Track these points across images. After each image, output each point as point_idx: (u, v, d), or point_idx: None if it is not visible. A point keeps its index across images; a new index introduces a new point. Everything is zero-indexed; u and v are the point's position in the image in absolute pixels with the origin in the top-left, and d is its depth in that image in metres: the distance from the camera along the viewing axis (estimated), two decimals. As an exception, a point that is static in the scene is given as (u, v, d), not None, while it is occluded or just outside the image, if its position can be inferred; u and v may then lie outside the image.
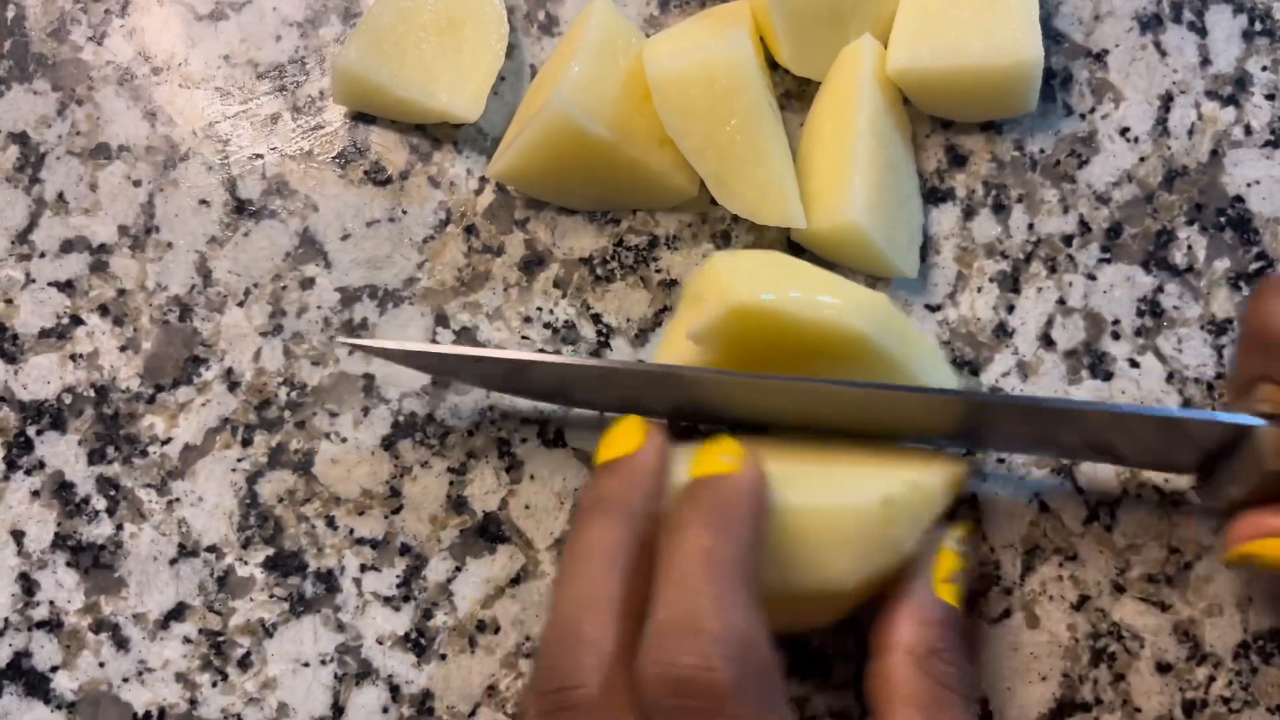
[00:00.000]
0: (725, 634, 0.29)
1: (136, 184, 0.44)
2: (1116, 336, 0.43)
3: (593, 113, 0.40)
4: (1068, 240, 0.43)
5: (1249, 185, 0.44)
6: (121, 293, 0.43)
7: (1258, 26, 0.45)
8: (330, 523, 0.42)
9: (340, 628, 0.41)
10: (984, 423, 0.38)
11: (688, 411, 0.40)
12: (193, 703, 0.41)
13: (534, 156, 0.41)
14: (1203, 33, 0.45)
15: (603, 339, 0.43)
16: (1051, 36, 0.44)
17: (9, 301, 0.43)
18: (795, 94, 0.44)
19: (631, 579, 0.32)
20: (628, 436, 0.35)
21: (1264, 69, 0.44)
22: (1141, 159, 0.44)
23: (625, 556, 0.32)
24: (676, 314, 0.42)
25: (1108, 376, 0.43)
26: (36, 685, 0.41)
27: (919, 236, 0.43)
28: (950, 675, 0.35)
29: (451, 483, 0.42)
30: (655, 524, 0.33)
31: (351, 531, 0.42)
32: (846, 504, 0.35)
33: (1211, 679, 0.41)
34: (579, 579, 0.32)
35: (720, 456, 0.34)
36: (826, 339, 0.36)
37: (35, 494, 0.42)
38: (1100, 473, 0.42)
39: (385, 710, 0.41)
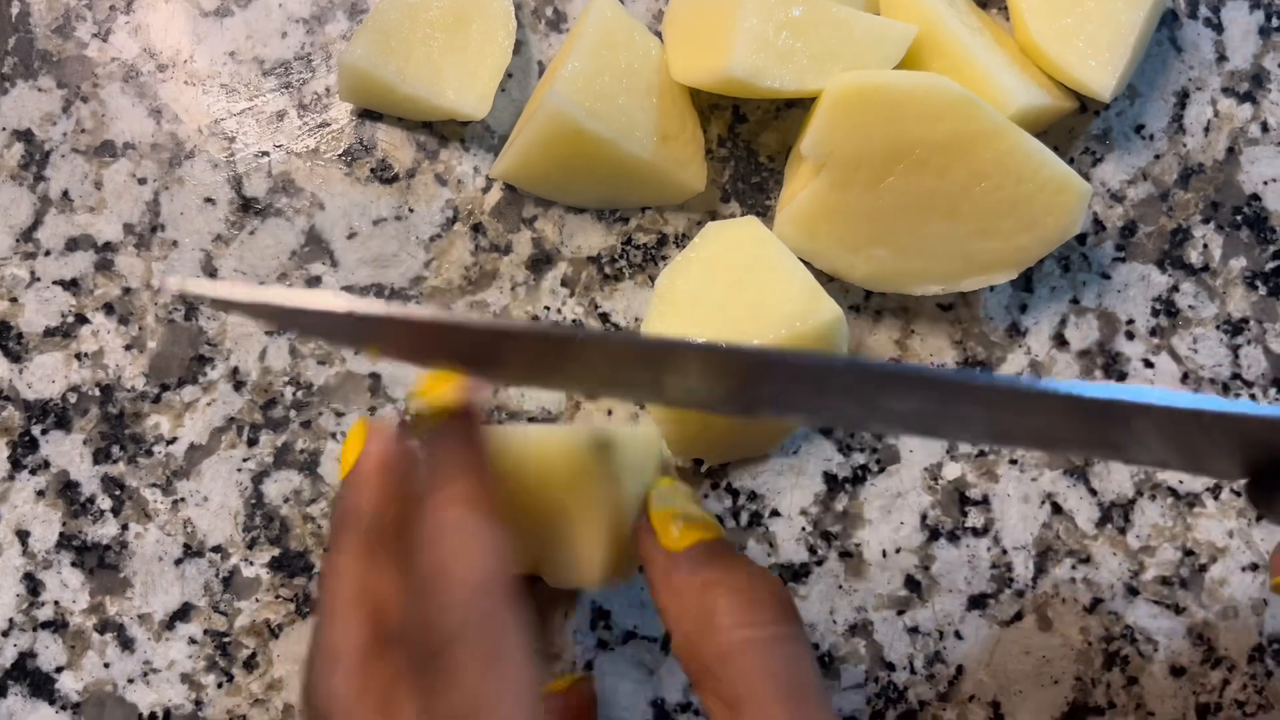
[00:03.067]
0: (454, 587, 0.30)
1: (142, 182, 0.43)
2: (1131, 336, 0.42)
3: (591, 109, 0.39)
4: (1081, 239, 0.43)
5: (1265, 183, 0.43)
6: (127, 291, 0.43)
7: (1275, 22, 0.44)
8: (336, 523, 0.42)
9: (346, 629, 0.41)
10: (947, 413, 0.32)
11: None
12: (198, 704, 0.41)
13: (534, 155, 0.41)
14: (1219, 28, 0.44)
15: (611, 338, 0.42)
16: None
17: (14, 300, 0.43)
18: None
19: (370, 602, 0.32)
20: (352, 445, 0.35)
21: (1281, 65, 0.44)
22: (1157, 156, 0.43)
23: (358, 583, 0.32)
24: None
25: (1122, 377, 0.42)
26: (41, 686, 0.41)
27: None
28: (737, 619, 0.33)
29: (458, 483, 0.42)
30: (394, 506, 0.33)
31: (358, 532, 0.41)
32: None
33: (1226, 683, 0.41)
34: (324, 627, 0.32)
35: (438, 390, 0.34)
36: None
37: (40, 494, 0.42)
38: (1114, 473, 0.42)
39: (391, 712, 0.40)
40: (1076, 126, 0.43)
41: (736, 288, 0.39)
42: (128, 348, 0.43)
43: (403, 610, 0.32)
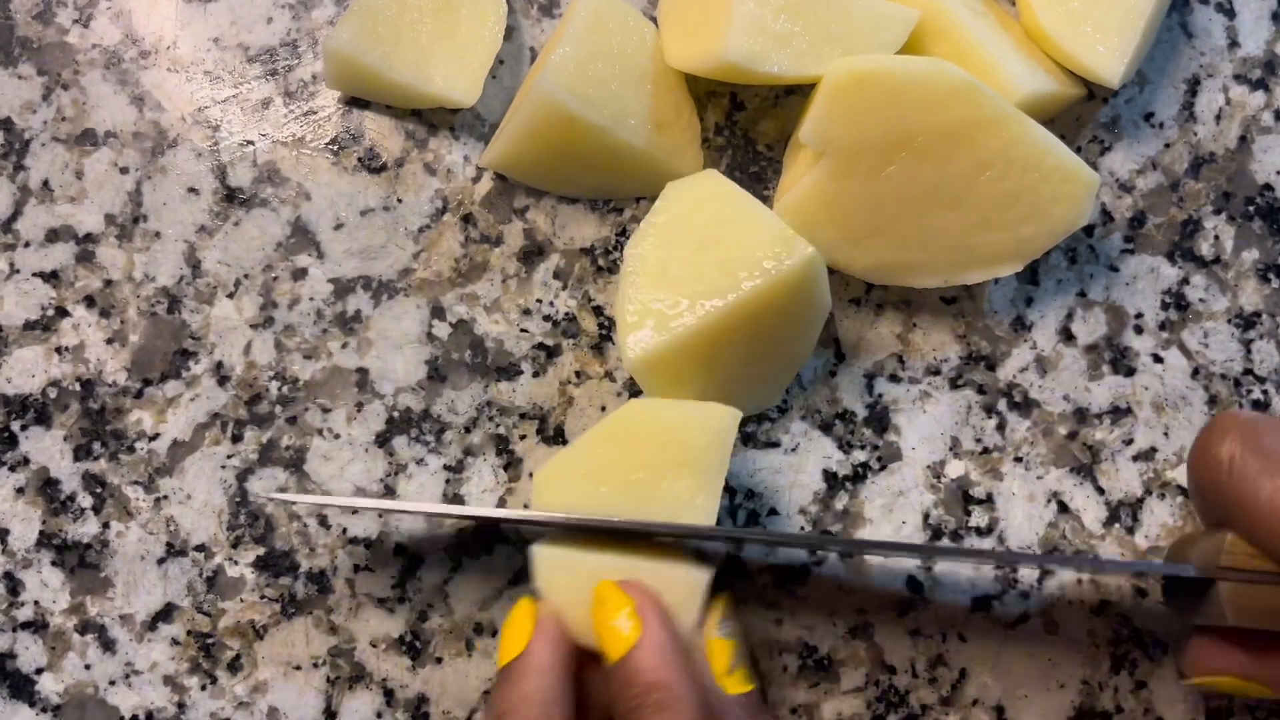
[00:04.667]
0: None
1: (124, 171, 0.42)
2: (1139, 330, 0.41)
3: (583, 96, 0.38)
4: (1089, 230, 0.42)
5: (1278, 173, 0.42)
6: (108, 283, 0.42)
7: (1289, 7, 0.43)
8: (323, 522, 0.41)
9: (333, 630, 0.40)
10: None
11: None
12: (181, 706, 0.40)
13: (525, 144, 0.40)
14: (1231, 14, 0.43)
15: (604, 332, 0.41)
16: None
17: (-8, 292, 0.42)
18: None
19: None
20: (517, 633, 0.35)
21: (1295, 51, 0.42)
22: (1167, 145, 0.42)
23: None
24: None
25: (1130, 372, 0.41)
26: (21, 688, 0.40)
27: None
28: None
29: (448, 481, 0.41)
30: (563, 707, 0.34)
31: (344, 531, 0.40)
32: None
33: (1237, 686, 0.40)
34: None
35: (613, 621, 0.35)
36: None
37: (19, 491, 0.41)
38: (1122, 472, 0.40)
39: (379, 715, 0.40)
40: (1084, 114, 0.42)
41: (706, 245, 0.38)
42: (109, 341, 0.41)
43: None
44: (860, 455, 0.41)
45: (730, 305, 0.36)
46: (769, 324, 0.37)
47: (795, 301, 0.37)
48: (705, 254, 0.37)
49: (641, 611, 0.34)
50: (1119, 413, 0.41)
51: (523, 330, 0.41)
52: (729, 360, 0.37)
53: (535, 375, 0.41)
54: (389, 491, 0.40)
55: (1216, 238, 0.42)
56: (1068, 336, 0.41)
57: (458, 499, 0.40)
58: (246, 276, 0.42)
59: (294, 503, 0.37)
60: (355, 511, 0.40)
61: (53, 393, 0.41)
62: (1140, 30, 0.39)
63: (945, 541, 0.40)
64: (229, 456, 0.41)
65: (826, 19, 0.38)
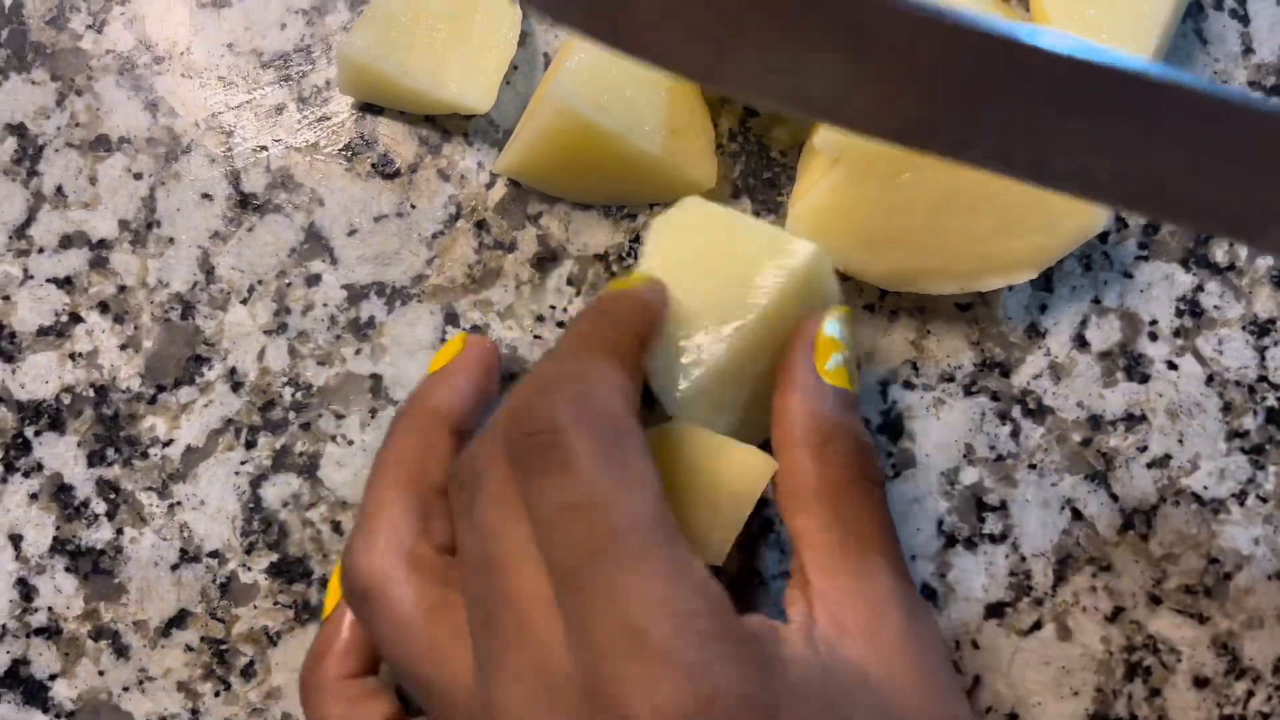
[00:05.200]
0: (568, 379, 0.30)
1: (137, 177, 0.42)
2: (1154, 337, 0.41)
3: (598, 103, 0.38)
4: (1103, 237, 0.42)
5: (1293, 179, 0.42)
6: (122, 289, 0.42)
7: (1303, 13, 0.43)
8: (336, 528, 0.41)
9: (346, 636, 0.40)
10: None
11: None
12: (194, 713, 0.40)
13: (539, 150, 0.39)
14: (1245, 20, 0.43)
15: (618, 338, 0.41)
16: (1087, 24, 0.43)
17: (6, 299, 0.42)
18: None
19: (417, 468, 0.35)
20: (446, 352, 0.38)
21: (1310, 57, 0.42)
22: (1181, 152, 0.42)
23: (422, 464, 0.35)
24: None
25: (1144, 379, 0.41)
26: (35, 694, 0.40)
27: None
28: (851, 461, 0.34)
29: (461, 487, 0.40)
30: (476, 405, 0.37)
31: (358, 537, 0.40)
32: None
33: (1250, 694, 0.40)
34: (379, 482, 0.35)
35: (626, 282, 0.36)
36: None
37: (34, 497, 0.41)
38: (1136, 480, 0.40)
39: (393, 722, 0.39)
40: (1098, 121, 0.42)
41: (709, 273, 0.37)
42: (123, 347, 0.42)
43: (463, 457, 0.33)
44: (874, 462, 0.41)
45: (753, 322, 0.36)
46: (787, 329, 0.37)
47: (809, 300, 0.37)
48: (711, 281, 0.37)
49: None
50: (1133, 420, 0.41)
51: (536, 336, 0.41)
52: (757, 376, 0.37)
53: (549, 382, 0.41)
54: (403, 498, 0.40)
55: (1230, 245, 0.42)
56: (1082, 343, 0.41)
57: (471, 505, 0.40)
58: (260, 282, 0.42)
59: None
60: None
61: (66, 399, 0.41)
62: (1156, 38, 0.39)
63: (959, 549, 0.40)
64: (242, 462, 0.41)
65: None
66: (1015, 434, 0.41)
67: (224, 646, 0.40)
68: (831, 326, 0.36)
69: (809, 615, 0.32)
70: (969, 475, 0.40)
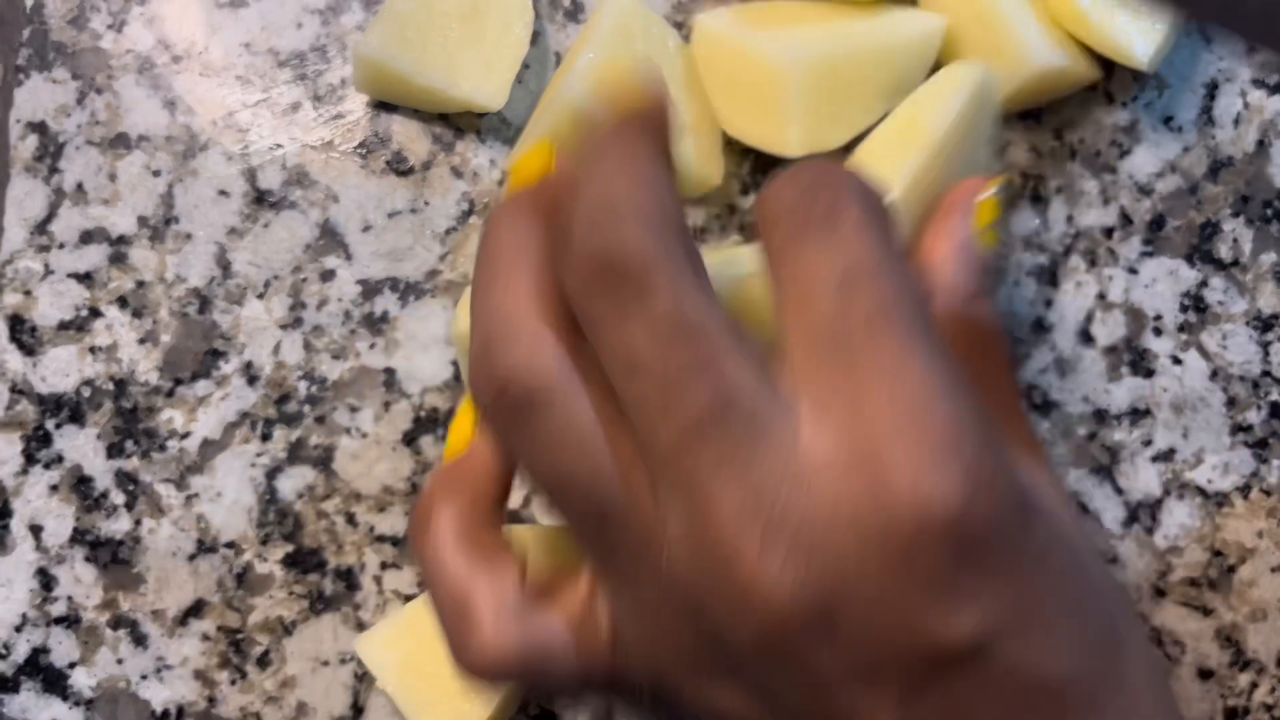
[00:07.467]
0: (641, 205, 0.27)
1: (156, 174, 0.43)
2: (1158, 333, 0.42)
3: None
4: (1108, 233, 0.42)
5: (1297, 176, 0.42)
6: (140, 285, 0.42)
7: (1307, 11, 0.43)
8: (350, 519, 0.41)
9: (360, 626, 0.41)
10: None
11: None
12: (211, 701, 0.41)
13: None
14: (1250, 18, 0.43)
15: (628, 333, 0.42)
16: (1092, 22, 0.43)
17: (28, 293, 0.42)
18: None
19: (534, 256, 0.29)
20: (530, 163, 0.33)
21: (1314, 56, 0.43)
22: (1185, 149, 0.43)
23: (540, 247, 0.29)
24: None
25: (1149, 374, 0.41)
26: (54, 682, 0.41)
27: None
28: (993, 316, 0.35)
29: (473, 479, 0.41)
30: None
31: (372, 529, 0.41)
32: None
33: (1254, 685, 0.40)
34: (496, 282, 0.29)
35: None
36: None
37: (54, 488, 0.42)
38: (1141, 473, 0.41)
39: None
40: (1104, 118, 0.43)
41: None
42: (141, 341, 0.42)
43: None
44: (881, 455, 0.41)
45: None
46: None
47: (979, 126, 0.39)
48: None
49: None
50: (1138, 414, 0.41)
51: (547, 331, 0.42)
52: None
53: (560, 375, 0.41)
54: (415, 490, 0.41)
55: (1235, 240, 0.42)
56: (1087, 338, 0.42)
57: (483, 497, 0.41)
58: (276, 278, 0.42)
59: None
60: (382, 509, 0.41)
61: (86, 392, 0.42)
62: (1170, 19, 0.39)
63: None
64: (258, 455, 0.42)
65: (870, 76, 0.39)
66: (1021, 428, 0.41)
67: (240, 636, 0.41)
68: (998, 189, 0.36)
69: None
70: (975, 468, 0.41)
